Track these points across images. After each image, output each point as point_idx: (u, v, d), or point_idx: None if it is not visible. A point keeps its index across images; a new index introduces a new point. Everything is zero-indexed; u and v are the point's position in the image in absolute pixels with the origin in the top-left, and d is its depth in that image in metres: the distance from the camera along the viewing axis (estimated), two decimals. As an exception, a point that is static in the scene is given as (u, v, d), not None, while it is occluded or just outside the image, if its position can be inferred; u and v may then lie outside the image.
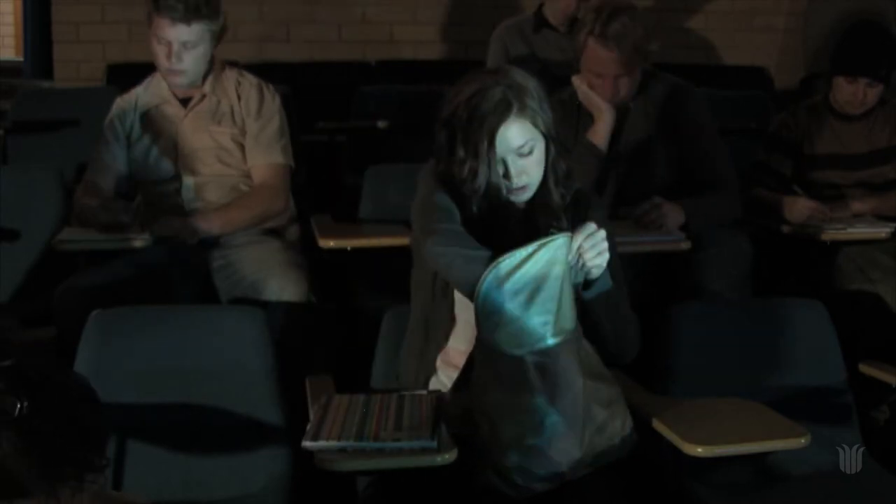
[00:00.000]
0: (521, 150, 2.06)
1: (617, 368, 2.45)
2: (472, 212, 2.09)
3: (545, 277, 1.88)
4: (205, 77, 3.12)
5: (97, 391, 1.35)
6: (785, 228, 3.22)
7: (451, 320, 2.17)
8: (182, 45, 3.00)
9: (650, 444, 2.39)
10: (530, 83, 2.09)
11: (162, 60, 3.03)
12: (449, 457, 1.88)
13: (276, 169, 3.12)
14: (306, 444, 1.91)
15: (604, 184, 2.96)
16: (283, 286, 2.85)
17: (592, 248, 1.93)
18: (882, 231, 3.17)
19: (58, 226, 3.13)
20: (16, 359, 1.27)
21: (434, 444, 1.89)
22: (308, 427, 1.97)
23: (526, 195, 2.11)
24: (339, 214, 3.31)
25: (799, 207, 3.21)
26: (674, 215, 2.85)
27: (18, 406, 1.23)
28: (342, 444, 1.89)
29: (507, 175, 2.07)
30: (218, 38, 3.09)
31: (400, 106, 4.26)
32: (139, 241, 2.85)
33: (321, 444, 1.90)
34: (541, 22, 4.30)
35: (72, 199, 3.12)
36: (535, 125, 2.07)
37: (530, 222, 2.12)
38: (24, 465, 1.24)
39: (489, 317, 1.90)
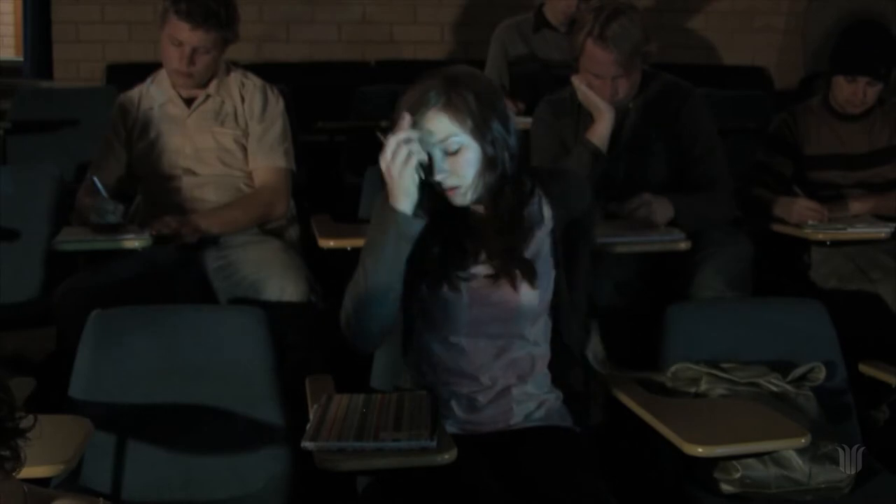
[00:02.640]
0: (445, 146, 2.04)
1: (615, 369, 2.46)
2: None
3: None
4: (210, 78, 3.12)
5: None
6: (784, 229, 3.22)
7: None
8: (196, 49, 3.00)
9: (650, 445, 2.39)
10: (482, 87, 2.07)
11: (173, 62, 3.03)
12: (449, 457, 1.88)
13: (277, 172, 3.12)
14: (306, 444, 1.91)
15: (603, 184, 2.96)
16: (283, 286, 2.85)
17: None
18: (881, 231, 3.17)
19: (58, 226, 3.13)
20: None
21: (433, 443, 1.89)
22: (308, 427, 1.97)
23: (460, 199, 2.08)
24: (339, 214, 3.31)
25: (798, 208, 3.21)
26: (662, 211, 2.85)
27: None
28: (341, 444, 1.89)
29: (431, 171, 2.04)
30: (228, 44, 3.09)
31: (400, 106, 4.25)
32: (139, 241, 2.85)
33: (321, 444, 1.90)
34: (541, 22, 4.30)
35: (72, 199, 3.12)
36: (463, 125, 2.03)
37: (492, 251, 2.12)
38: None
39: None
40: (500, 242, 2.11)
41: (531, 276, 2.11)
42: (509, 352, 2.16)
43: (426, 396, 2.09)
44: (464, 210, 2.12)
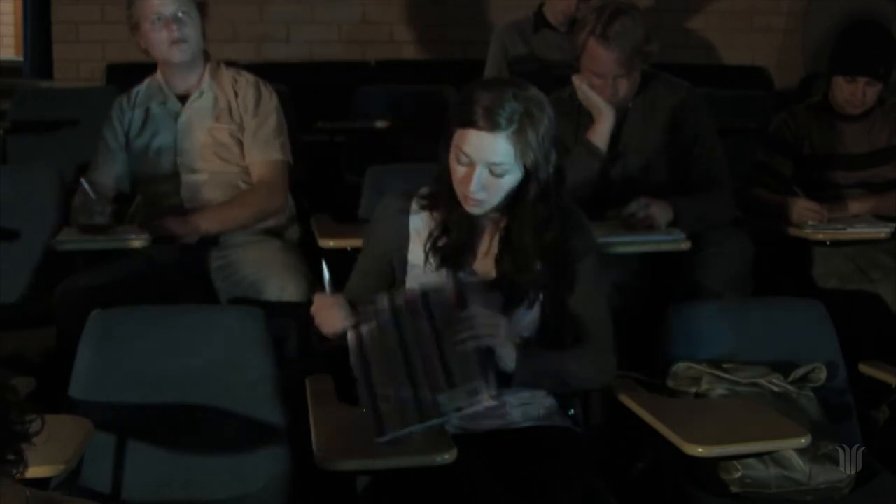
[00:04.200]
0: (493, 168, 2.03)
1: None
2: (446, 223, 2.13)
3: None
4: (202, 74, 3.12)
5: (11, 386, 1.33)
6: (784, 229, 3.22)
7: None
8: (177, 14, 3.00)
9: (650, 445, 2.39)
10: (550, 119, 2.06)
11: (163, 40, 3.02)
12: (449, 457, 1.88)
13: (274, 165, 3.12)
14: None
15: (603, 184, 2.96)
16: (283, 286, 2.85)
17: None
18: (882, 231, 3.17)
19: (58, 226, 3.13)
20: None
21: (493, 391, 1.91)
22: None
23: (476, 209, 2.09)
24: (339, 214, 3.31)
25: (797, 208, 3.21)
26: (662, 213, 2.85)
27: None
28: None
29: (467, 180, 2.05)
30: (203, 12, 3.10)
31: (400, 106, 4.27)
32: (139, 241, 2.86)
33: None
34: (541, 22, 4.30)
35: (72, 199, 3.12)
36: (524, 157, 2.03)
37: (499, 263, 2.13)
38: None
39: None
40: (512, 255, 2.12)
41: (528, 293, 2.13)
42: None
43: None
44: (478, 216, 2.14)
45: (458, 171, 2.07)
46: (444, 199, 2.13)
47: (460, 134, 2.04)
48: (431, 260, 2.14)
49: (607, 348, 2.20)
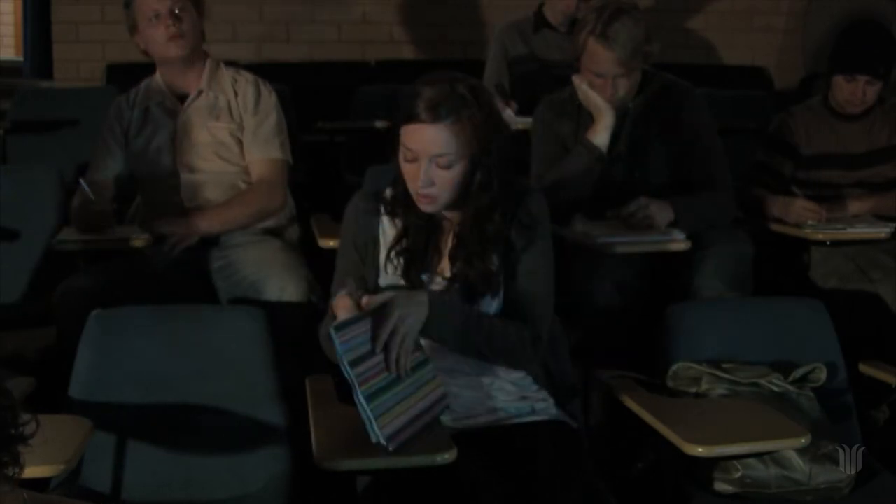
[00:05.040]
0: (438, 160, 2.06)
1: (615, 369, 2.46)
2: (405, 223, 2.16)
3: None
4: (201, 73, 3.12)
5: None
6: (784, 229, 3.22)
7: None
8: (173, 9, 3.01)
9: (650, 445, 2.40)
10: (491, 108, 2.09)
11: (160, 34, 3.02)
12: (449, 456, 1.88)
13: (273, 164, 3.12)
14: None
15: (603, 184, 2.96)
16: (283, 286, 2.85)
17: None
18: (881, 231, 3.17)
19: (58, 226, 3.13)
20: None
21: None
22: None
23: (430, 207, 2.11)
24: (339, 214, 3.30)
25: (796, 208, 3.21)
26: (662, 214, 2.85)
27: None
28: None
29: (415, 176, 2.07)
30: (200, 9, 3.10)
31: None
32: (139, 241, 2.86)
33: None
34: (541, 22, 4.30)
35: (71, 199, 3.12)
36: (465, 146, 2.05)
37: (454, 257, 2.15)
38: None
39: None
40: (463, 251, 2.14)
41: (484, 287, 2.13)
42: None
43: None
44: (435, 215, 2.16)
45: (407, 168, 2.10)
46: (401, 202, 2.16)
47: (405, 131, 2.08)
48: (394, 264, 2.17)
49: (537, 328, 2.17)
